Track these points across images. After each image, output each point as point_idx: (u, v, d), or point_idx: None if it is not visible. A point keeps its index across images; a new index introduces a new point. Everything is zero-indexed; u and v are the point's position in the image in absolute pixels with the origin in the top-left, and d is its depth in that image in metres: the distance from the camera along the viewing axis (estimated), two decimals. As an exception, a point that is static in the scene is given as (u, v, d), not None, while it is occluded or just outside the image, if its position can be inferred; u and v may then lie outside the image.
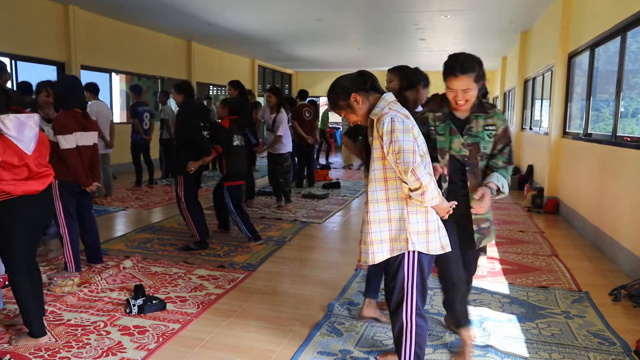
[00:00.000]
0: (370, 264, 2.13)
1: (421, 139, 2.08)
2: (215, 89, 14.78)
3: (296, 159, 8.46)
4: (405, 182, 1.98)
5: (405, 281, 2.17)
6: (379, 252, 2.12)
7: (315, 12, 8.90)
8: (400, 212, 2.08)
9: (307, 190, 8.20)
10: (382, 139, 1.99)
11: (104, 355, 2.70)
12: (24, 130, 2.60)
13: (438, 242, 2.13)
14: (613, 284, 3.89)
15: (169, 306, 3.36)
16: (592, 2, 5.86)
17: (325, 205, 7.16)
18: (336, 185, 8.80)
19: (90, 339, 2.87)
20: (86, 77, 9.12)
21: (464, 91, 2.36)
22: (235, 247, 4.85)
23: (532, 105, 9.87)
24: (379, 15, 9.08)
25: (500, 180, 2.48)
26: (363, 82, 2.16)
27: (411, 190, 1.99)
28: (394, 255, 2.12)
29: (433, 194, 1.98)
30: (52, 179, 2.80)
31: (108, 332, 2.96)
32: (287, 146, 6.62)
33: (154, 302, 3.29)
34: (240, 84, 6.62)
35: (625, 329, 3.11)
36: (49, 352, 2.71)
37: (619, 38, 4.89)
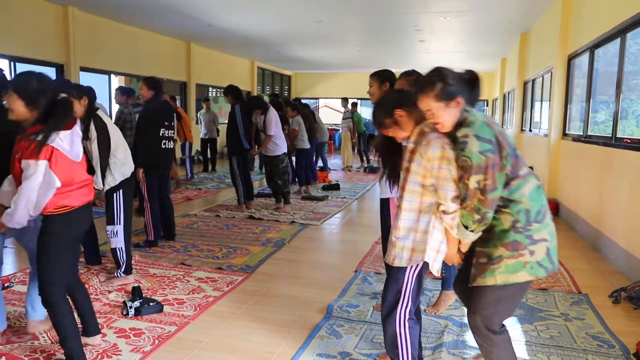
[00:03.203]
0: (390, 264, 2.23)
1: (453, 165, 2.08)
2: (214, 90, 14.78)
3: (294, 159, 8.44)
4: (441, 204, 2.07)
5: (403, 287, 2.25)
6: (398, 257, 2.20)
7: (314, 14, 8.90)
8: (426, 225, 2.14)
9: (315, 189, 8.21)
10: (428, 161, 2.04)
11: (99, 357, 2.68)
12: (75, 141, 2.46)
13: (440, 264, 2.22)
14: (613, 286, 3.87)
15: (167, 308, 3.34)
16: (591, 4, 5.86)
17: (324, 207, 7.15)
18: (336, 187, 8.79)
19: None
20: (85, 78, 9.12)
21: (427, 112, 2.04)
22: (234, 249, 4.83)
23: (532, 106, 9.86)
24: (378, 17, 9.08)
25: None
26: (406, 98, 2.21)
27: (445, 213, 2.06)
28: (411, 264, 2.19)
29: (463, 232, 2.08)
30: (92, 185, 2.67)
31: (104, 335, 2.94)
32: (281, 147, 6.56)
33: (151, 304, 3.28)
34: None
35: (625, 331, 3.10)
36: (44, 355, 2.70)
37: (618, 40, 4.88)
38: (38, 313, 2.90)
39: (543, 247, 2.02)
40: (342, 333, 3.03)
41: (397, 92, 2.29)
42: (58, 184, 2.33)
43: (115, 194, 3.69)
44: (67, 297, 2.55)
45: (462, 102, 2.01)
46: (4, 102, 2.58)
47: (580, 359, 2.75)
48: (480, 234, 2.07)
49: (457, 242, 2.15)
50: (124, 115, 6.84)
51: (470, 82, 2.06)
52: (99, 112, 3.67)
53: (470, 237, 2.08)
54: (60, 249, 2.45)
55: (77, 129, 2.51)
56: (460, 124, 2.01)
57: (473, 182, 1.96)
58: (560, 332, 3.08)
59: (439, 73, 2.02)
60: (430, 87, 1.99)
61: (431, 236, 2.14)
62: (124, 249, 3.76)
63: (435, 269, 2.20)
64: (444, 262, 2.54)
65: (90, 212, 2.65)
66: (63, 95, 2.50)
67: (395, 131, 2.25)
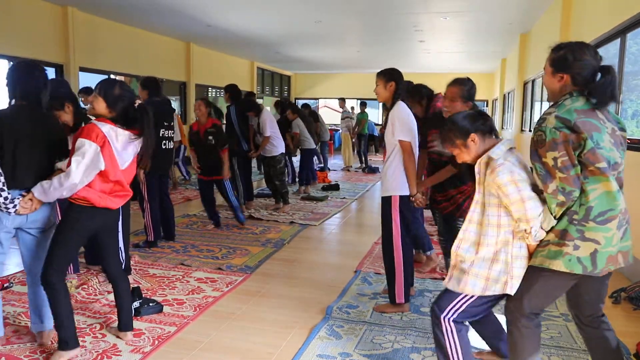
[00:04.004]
0: (460, 292, 2.15)
1: (530, 180, 2.08)
2: (214, 90, 14.77)
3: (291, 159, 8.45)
4: (526, 228, 2.03)
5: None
6: (472, 285, 2.13)
7: (314, 14, 8.90)
8: (505, 255, 2.09)
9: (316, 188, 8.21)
10: (499, 188, 2.03)
11: (99, 358, 2.68)
12: (128, 148, 2.64)
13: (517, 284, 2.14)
14: (613, 286, 3.85)
15: (166, 309, 3.34)
16: (591, 4, 5.86)
17: (324, 207, 7.14)
18: (335, 187, 8.78)
19: (85, 341, 2.85)
20: (85, 78, 9.11)
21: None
22: (234, 250, 4.83)
23: (532, 107, 9.86)
24: (378, 17, 9.07)
25: None
26: (483, 124, 2.20)
27: (526, 232, 2.04)
28: (486, 294, 2.13)
29: (536, 228, 2.03)
30: (126, 199, 2.79)
31: (104, 335, 2.94)
32: (278, 148, 6.54)
33: (150, 304, 3.27)
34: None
35: (625, 331, 3.09)
36: (44, 355, 2.69)
37: (618, 40, 4.88)
38: (46, 324, 2.84)
39: (591, 247, 1.98)
40: (342, 334, 3.02)
41: (478, 115, 2.24)
42: (102, 166, 2.50)
43: None
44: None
45: (568, 80, 2.04)
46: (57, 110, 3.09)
47: (581, 359, 2.75)
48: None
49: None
50: None
51: (603, 75, 2.03)
52: None
53: (552, 223, 2.03)
54: (70, 235, 2.61)
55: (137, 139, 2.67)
56: (557, 102, 2.05)
57: (550, 159, 1.95)
58: (560, 332, 3.08)
59: (571, 46, 2.07)
60: (555, 50, 2.12)
61: (512, 267, 2.09)
62: (122, 249, 3.75)
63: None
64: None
65: (108, 217, 2.73)
66: (139, 102, 2.68)
67: (460, 153, 2.22)
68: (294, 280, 4.05)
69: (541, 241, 2.07)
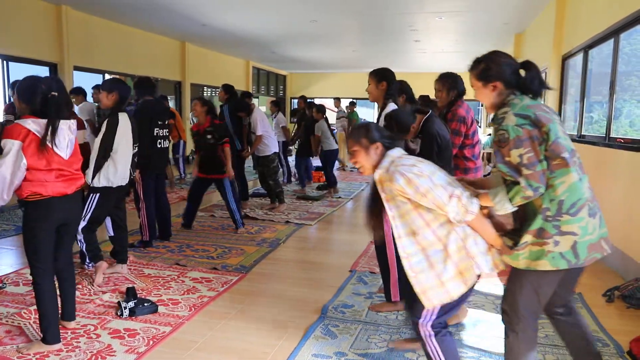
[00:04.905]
0: (448, 301, 2.10)
1: (438, 174, 2.10)
2: (209, 90, 14.74)
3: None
4: (449, 213, 2.02)
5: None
6: (454, 289, 2.08)
7: (310, 13, 8.89)
8: (457, 242, 2.07)
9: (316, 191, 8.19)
10: (405, 192, 2.05)
11: (93, 358, 2.67)
12: (60, 135, 2.70)
13: (491, 262, 2.11)
14: (606, 285, 3.89)
15: (161, 309, 3.33)
16: (585, 4, 5.88)
17: (319, 206, 7.14)
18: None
19: (79, 342, 2.84)
20: (79, 78, 9.07)
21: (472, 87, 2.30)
22: (229, 249, 4.82)
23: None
24: (374, 17, 9.08)
25: None
26: (391, 139, 2.24)
27: (456, 216, 2.02)
28: (468, 286, 2.09)
29: (472, 201, 2.02)
30: (82, 182, 2.92)
31: (98, 335, 2.93)
32: (271, 147, 6.51)
33: (145, 304, 3.26)
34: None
35: (619, 329, 3.12)
36: (37, 356, 2.68)
37: (612, 40, 4.91)
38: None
39: (570, 240, 1.98)
40: (337, 333, 3.03)
41: (389, 133, 2.30)
42: (24, 160, 2.57)
43: (92, 194, 3.70)
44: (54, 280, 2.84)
45: (501, 87, 2.10)
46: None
47: (575, 358, 2.76)
48: (515, 208, 2.03)
49: (485, 223, 2.08)
50: (101, 111, 6.97)
51: (525, 71, 2.13)
52: (122, 114, 3.72)
53: (507, 210, 2.03)
54: (34, 233, 2.71)
55: (72, 123, 2.79)
56: (504, 104, 2.08)
57: (515, 156, 1.96)
58: (555, 330, 3.09)
59: (487, 56, 2.17)
60: (475, 66, 2.19)
61: (466, 247, 2.06)
62: (82, 240, 3.78)
63: (485, 269, 2.10)
64: None
65: (73, 202, 2.83)
66: (53, 93, 2.71)
67: (360, 155, 2.24)
68: (289, 280, 4.05)
69: (518, 243, 2.05)
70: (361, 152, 2.22)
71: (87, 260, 3.88)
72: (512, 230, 2.13)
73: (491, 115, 2.17)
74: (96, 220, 3.83)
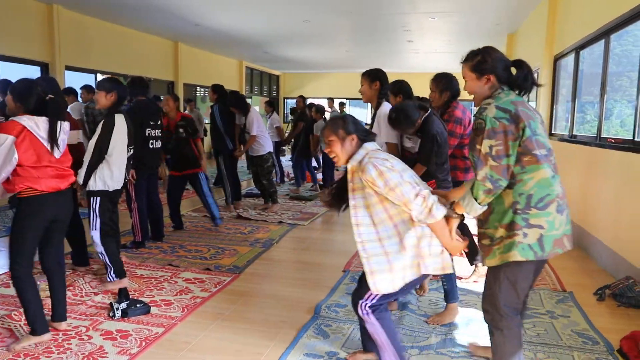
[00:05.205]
0: (391, 290, 2.23)
1: (408, 172, 2.22)
2: (202, 90, 14.70)
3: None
4: (412, 211, 2.12)
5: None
6: (398, 280, 2.22)
7: (303, 14, 8.89)
8: (413, 240, 2.18)
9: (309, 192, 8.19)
10: (375, 184, 2.14)
11: (86, 360, 2.66)
12: (50, 135, 2.76)
13: (440, 264, 2.22)
14: (597, 283, 3.92)
15: (154, 310, 3.32)
16: (577, 5, 5.93)
17: (312, 207, 7.14)
18: (324, 187, 8.77)
19: (71, 344, 2.83)
20: (71, 78, 9.02)
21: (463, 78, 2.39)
22: (222, 250, 4.81)
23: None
24: (367, 17, 9.10)
25: None
26: (366, 132, 2.35)
27: (419, 215, 2.12)
28: (406, 282, 2.22)
29: (439, 207, 2.12)
30: (73, 179, 2.98)
31: (90, 337, 2.91)
32: (265, 147, 6.49)
33: (138, 305, 3.25)
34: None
35: (609, 328, 3.14)
36: (28, 358, 2.66)
37: (603, 41, 4.94)
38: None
39: (537, 233, 2.06)
40: (330, 333, 3.03)
41: (364, 127, 2.40)
42: (16, 155, 2.62)
43: (93, 199, 3.64)
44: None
45: (494, 80, 2.18)
46: None
47: (566, 355, 2.78)
48: (485, 207, 2.11)
49: (446, 230, 2.18)
50: (89, 111, 7.01)
51: (517, 69, 2.22)
52: (119, 115, 3.68)
53: (476, 210, 2.10)
54: (24, 229, 2.74)
55: (65, 125, 2.87)
56: (489, 97, 2.18)
57: (485, 146, 2.03)
58: (546, 329, 3.11)
59: (483, 49, 2.26)
60: (470, 57, 2.25)
61: (419, 247, 2.18)
62: (104, 253, 3.67)
63: (430, 270, 2.23)
64: (445, 275, 2.77)
65: (65, 199, 2.88)
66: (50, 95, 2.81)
67: (334, 145, 2.32)
68: (282, 280, 4.05)
69: (492, 239, 2.13)
70: (337, 143, 2.31)
71: (112, 274, 3.64)
72: (481, 232, 2.21)
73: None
74: (108, 227, 3.70)
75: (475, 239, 2.45)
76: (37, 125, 2.71)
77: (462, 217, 2.21)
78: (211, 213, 5.56)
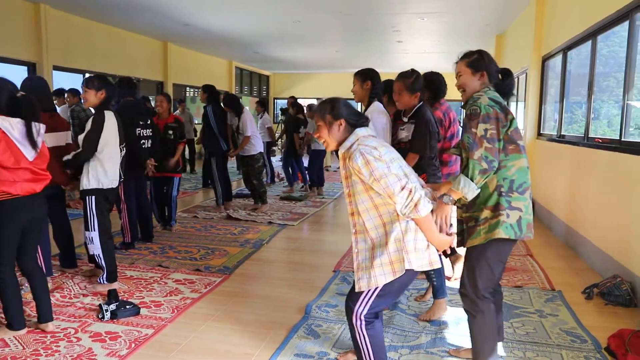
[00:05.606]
0: (373, 287, 2.15)
1: (397, 163, 2.14)
2: (192, 90, 14.63)
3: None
4: (396, 204, 2.06)
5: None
6: (380, 275, 2.13)
7: (293, 14, 8.89)
8: (397, 233, 2.11)
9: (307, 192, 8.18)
10: (360, 173, 2.08)
11: (75, 362, 2.63)
12: (30, 137, 2.74)
13: (427, 259, 2.16)
14: (586, 282, 3.96)
15: (144, 311, 3.29)
16: (564, 7, 5.98)
17: (302, 207, 7.14)
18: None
19: (59, 346, 2.79)
20: (59, 78, 8.94)
21: (457, 73, 2.53)
22: (212, 251, 4.79)
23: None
24: (357, 18, 9.11)
25: None
26: (357, 117, 2.25)
27: (403, 209, 2.05)
28: (397, 277, 2.12)
29: (425, 203, 2.06)
30: (48, 181, 2.93)
31: (79, 339, 2.88)
32: (257, 147, 6.49)
33: (127, 307, 3.23)
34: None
35: (597, 326, 3.17)
36: (17, 361, 2.63)
37: (590, 42, 5.00)
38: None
39: (516, 215, 2.29)
40: (320, 333, 3.03)
41: (357, 110, 2.32)
42: None
43: (87, 198, 3.61)
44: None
45: (486, 77, 2.39)
46: None
47: (554, 354, 2.81)
48: (478, 191, 2.24)
49: (432, 225, 2.13)
50: (75, 113, 6.99)
51: (503, 75, 2.48)
52: (109, 112, 3.66)
53: (474, 191, 2.22)
54: (2, 231, 2.73)
55: (41, 127, 2.82)
56: (478, 92, 2.38)
57: (481, 129, 2.23)
58: (535, 328, 3.14)
59: (480, 50, 2.47)
60: (468, 55, 2.46)
61: (404, 242, 2.10)
62: (101, 255, 3.66)
63: (415, 266, 2.14)
64: (434, 270, 2.74)
65: (40, 200, 2.90)
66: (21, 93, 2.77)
67: (322, 130, 2.25)
68: (272, 281, 4.04)
69: (477, 221, 2.30)
70: (324, 128, 2.24)
71: (104, 277, 3.66)
72: (466, 217, 2.39)
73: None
74: (106, 225, 3.69)
75: (455, 227, 2.52)
76: (12, 126, 2.65)
77: (455, 202, 2.27)
78: (170, 214, 5.57)
